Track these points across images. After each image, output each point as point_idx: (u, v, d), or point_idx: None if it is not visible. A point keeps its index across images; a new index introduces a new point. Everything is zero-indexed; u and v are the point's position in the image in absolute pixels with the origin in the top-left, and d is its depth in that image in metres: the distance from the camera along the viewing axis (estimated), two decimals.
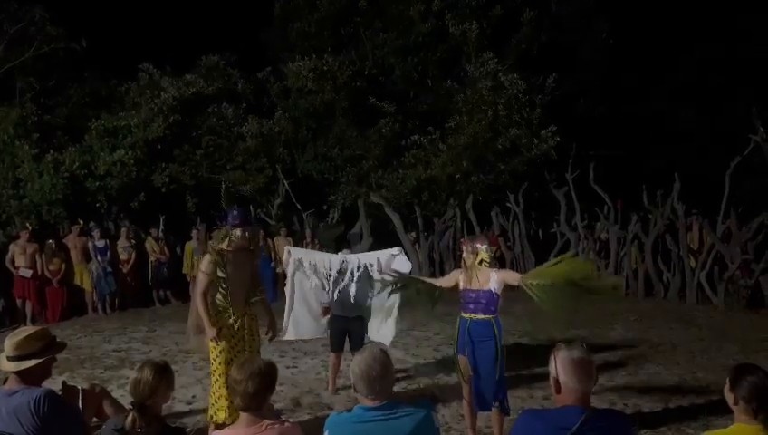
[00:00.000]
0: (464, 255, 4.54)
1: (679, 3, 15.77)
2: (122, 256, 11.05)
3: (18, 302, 9.83)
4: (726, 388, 2.32)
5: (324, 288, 5.84)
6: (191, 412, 5.40)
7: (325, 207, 15.50)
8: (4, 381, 2.85)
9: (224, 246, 4.65)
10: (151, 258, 11.47)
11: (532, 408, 4.72)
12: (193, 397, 5.77)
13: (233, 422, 4.47)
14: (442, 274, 13.21)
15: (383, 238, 13.71)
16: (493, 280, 4.39)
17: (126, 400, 2.99)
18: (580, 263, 4.43)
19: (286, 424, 2.47)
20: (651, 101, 15.93)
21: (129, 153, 12.70)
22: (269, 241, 11.89)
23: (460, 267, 4.63)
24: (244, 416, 2.43)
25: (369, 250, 12.82)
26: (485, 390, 4.41)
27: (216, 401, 4.61)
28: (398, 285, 4.97)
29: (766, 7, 14.19)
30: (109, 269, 10.63)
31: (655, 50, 16.03)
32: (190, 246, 11.61)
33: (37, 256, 9.90)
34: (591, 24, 15.50)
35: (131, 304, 11.03)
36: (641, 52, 15.89)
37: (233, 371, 2.48)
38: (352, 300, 5.70)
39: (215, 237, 5.07)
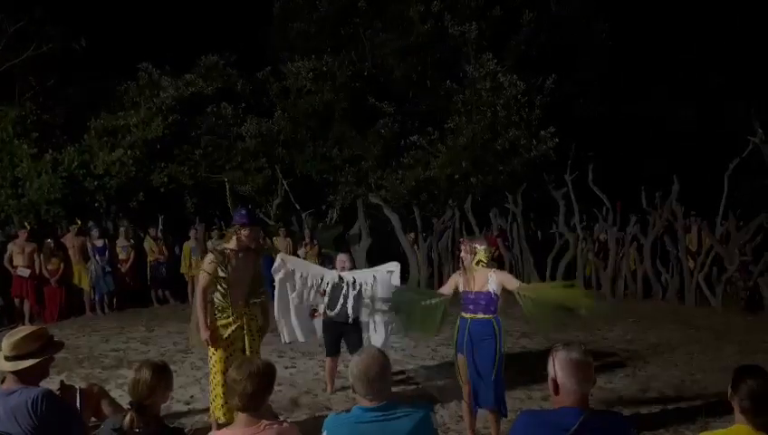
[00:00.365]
0: (461, 254, 4.55)
1: (678, 4, 15.78)
2: (121, 256, 11.04)
3: (16, 301, 9.82)
4: (729, 388, 2.34)
5: (302, 301, 5.77)
6: (190, 412, 5.39)
7: (324, 207, 15.49)
8: (2, 381, 2.84)
9: (231, 245, 4.66)
10: (150, 258, 11.46)
11: (531, 409, 4.73)
12: (191, 397, 5.77)
13: (226, 423, 4.51)
14: (440, 274, 13.26)
15: (382, 239, 13.73)
16: (491, 281, 4.40)
17: (124, 399, 2.99)
18: (582, 295, 4.41)
19: (284, 425, 2.47)
20: (650, 102, 15.93)
21: (128, 153, 12.69)
22: (267, 241, 11.89)
23: (459, 268, 4.64)
24: (242, 416, 2.43)
25: (368, 250, 13.00)
26: (483, 389, 4.41)
27: (213, 400, 4.64)
28: (398, 308, 4.82)
29: (766, 8, 14.21)
30: (107, 269, 10.63)
31: (654, 51, 16.03)
32: (188, 245, 11.61)
33: (35, 256, 9.89)
34: (591, 25, 15.50)
35: (130, 303, 11.03)
36: (640, 53, 15.90)
37: (231, 370, 2.48)
38: (350, 315, 5.64)
39: (223, 237, 5.08)
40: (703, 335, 8.28)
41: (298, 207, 14.45)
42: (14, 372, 2.77)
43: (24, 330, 2.91)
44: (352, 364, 2.39)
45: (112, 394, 4.03)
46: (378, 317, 5.63)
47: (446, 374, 6.23)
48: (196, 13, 15.43)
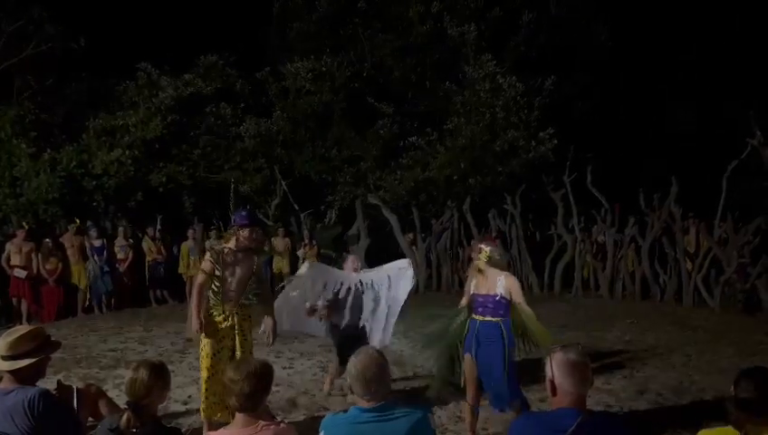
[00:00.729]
0: (472, 255, 4.62)
1: (678, 6, 15.79)
2: (120, 256, 11.03)
3: (14, 301, 9.81)
4: (732, 386, 2.35)
5: (304, 298, 5.72)
6: (187, 412, 5.39)
7: (323, 207, 15.48)
8: None
9: (230, 244, 4.71)
10: (148, 258, 11.45)
11: (528, 410, 4.72)
12: (189, 397, 5.76)
13: (206, 418, 4.55)
14: (439, 275, 13.28)
15: (380, 240, 13.72)
16: (500, 285, 4.43)
17: (122, 399, 2.98)
18: (545, 334, 4.53)
19: (282, 425, 2.47)
20: (649, 104, 15.95)
21: (127, 153, 12.67)
22: (267, 243, 11.88)
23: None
24: (239, 417, 2.42)
25: (366, 251, 12.98)
26: (496, 390, 4.42)
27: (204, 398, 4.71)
28: (436, 350, 4.80)
29: (765, 9, 14.23)
30: (105, 269, 10.62)
31: (653, 53, 16.05)
32: (186, 246, 11.60)
33: (33, 256, 9.87)
34: (590, 26, 15.51)
35: (128, 303, 11.01)
36: (640, 55, 15.92)
37: (229, 371, 2.48)
38: (363, 317, 5.62)
39: (221, 237, 5.14)
40: (700, 337, 8.29)
41: (297, 208, 14.44)
42: (11, 372, 2.76)
43: (20, 329, 2.90)
44: (350, 365, 2.39)
45: (110, 394, 4.03)
46: (379, 316, 5.62)
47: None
48: (196, 13, 15.42)
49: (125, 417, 2.60)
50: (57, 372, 6.16)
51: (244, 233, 4.65)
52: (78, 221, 11.00)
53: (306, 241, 12.69)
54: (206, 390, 4.60)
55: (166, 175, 13.48)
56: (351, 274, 5.83)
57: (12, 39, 12.77)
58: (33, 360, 2.79)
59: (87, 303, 10.61)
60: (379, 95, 14.92)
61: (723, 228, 10.90)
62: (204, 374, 4.66)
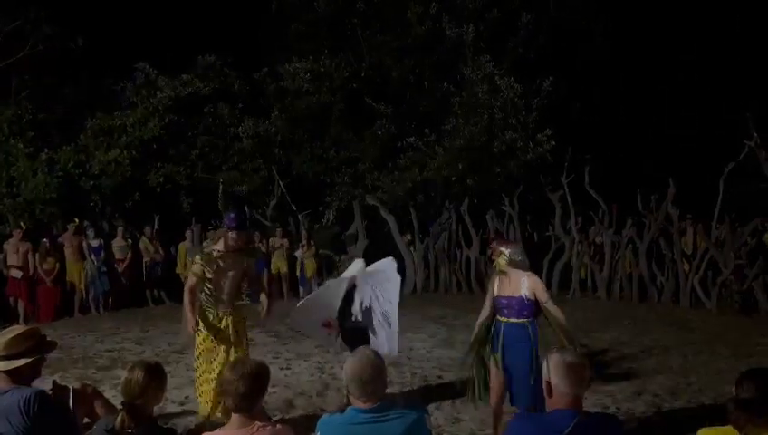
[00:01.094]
0: (493, 256, 4.63)
1: (676, 8, 15.82)
2: (118, 256, 11.02)
3: (10, 301, 9.79)
4: (734, 387, 2.35)
5: (324, 310, 5.48)
6: (183, 413, 5.37)
7: (321, 208, 15.47)
8: None
9: (219, 246, 4.70)
10: (145, 258, 11.44)
11: (525, 411, 4.72)
12: (186, 398, 5.74)
13: (204, 417, 4.56)
14: (437, 276, 13.26)
15: (378, 240, 13.72)
16: (524, 286, 4.41)
17: (118, 400, 2.97)
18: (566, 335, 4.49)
19: (278, 426, 2.46)
20: (646, 105, 15.98)
21: (125, 153, 12.65)
22: (258, 244, 11.86)
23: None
24: (235, 417, 2.42)
25: (364, 250, 12.95)
26: (520, 390, 4.37)
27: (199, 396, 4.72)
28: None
29: (763, 11, 14.26)
30: (103, 269, 10.61)
31: (652, 55, 16.08)
32: (184, 246, 11.60)
33: (29, 256, 9.86)
34: (589, 27, 15.52)
35: (125, 303, 11.00)
36: (638, 56, 15.94)
37: (225, 371, 2.48)
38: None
39: (209, 237, 5.16)
40: (697, 338, 8.30)
41: (294, 208, 14.43)
42: (6, 372, 2.75)
43: (15, 329, 2.89)
44: (347, 365, 2.39)
45: (106, 395, 4.02)
46: (377, 328, 5.56)
47: (442, 376, 6.23)
48: (194, 13, 15.39)
49: (120, 417, 2.59)
50: (54, 372, 6.15)
51: (232, 235, 4.69)
52: (77, 221, 11.00)
53: (304, 242, 12.68)
54: (202, 389, 4.63)
55: (163, 175, 13.47)
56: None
57: (9, 39, 12.75)
58: (29, 360, 2.78)
59: (84, 301, 10.59)
60: (377, 96, 14.91)
61: (720, 230, 10.92)
62: (199, 375, 4.70)
